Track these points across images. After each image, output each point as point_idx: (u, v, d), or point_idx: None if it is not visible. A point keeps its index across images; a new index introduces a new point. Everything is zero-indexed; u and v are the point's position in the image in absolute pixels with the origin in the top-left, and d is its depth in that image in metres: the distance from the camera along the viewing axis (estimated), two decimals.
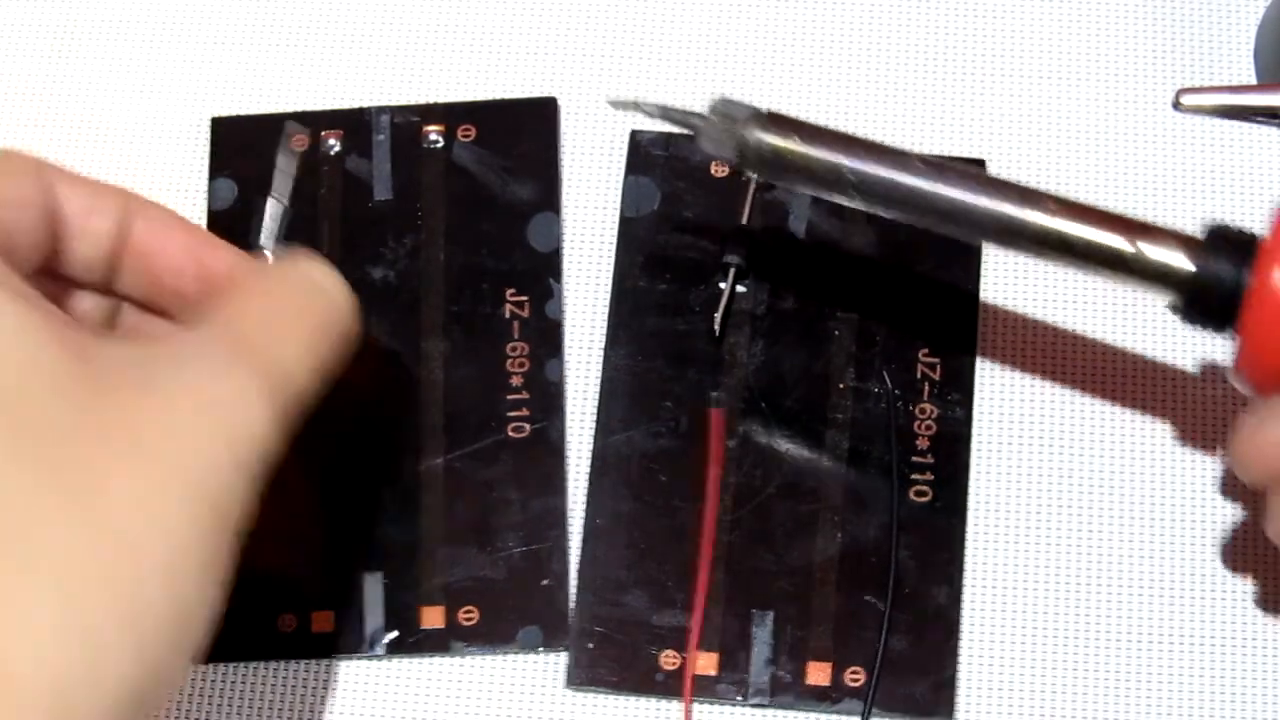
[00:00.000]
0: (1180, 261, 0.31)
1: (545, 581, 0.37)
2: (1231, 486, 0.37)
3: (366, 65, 0.42)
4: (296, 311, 0.32)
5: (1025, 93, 0.40)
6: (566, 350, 0.39)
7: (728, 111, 0.33)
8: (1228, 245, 0.31)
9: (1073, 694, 0.36)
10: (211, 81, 0.42)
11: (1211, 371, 0.38)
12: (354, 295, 0.33)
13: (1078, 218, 0.32)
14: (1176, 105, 0.30)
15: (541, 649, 0.36)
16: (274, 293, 0.32)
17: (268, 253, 0.37)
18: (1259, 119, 0.30)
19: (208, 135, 0.41)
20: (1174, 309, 0.32)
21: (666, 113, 0.34)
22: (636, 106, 0.34)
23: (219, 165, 0.40)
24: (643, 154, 0.40)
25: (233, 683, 0.37)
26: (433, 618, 0.37)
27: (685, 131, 0.34)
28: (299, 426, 0.31)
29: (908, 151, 0.33)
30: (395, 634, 0.37)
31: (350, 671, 0.37)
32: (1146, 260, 0.31)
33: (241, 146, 0.40)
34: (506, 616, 0.36)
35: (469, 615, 0.36)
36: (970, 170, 0.33)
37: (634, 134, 0.40)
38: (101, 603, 0.26)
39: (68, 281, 0.33)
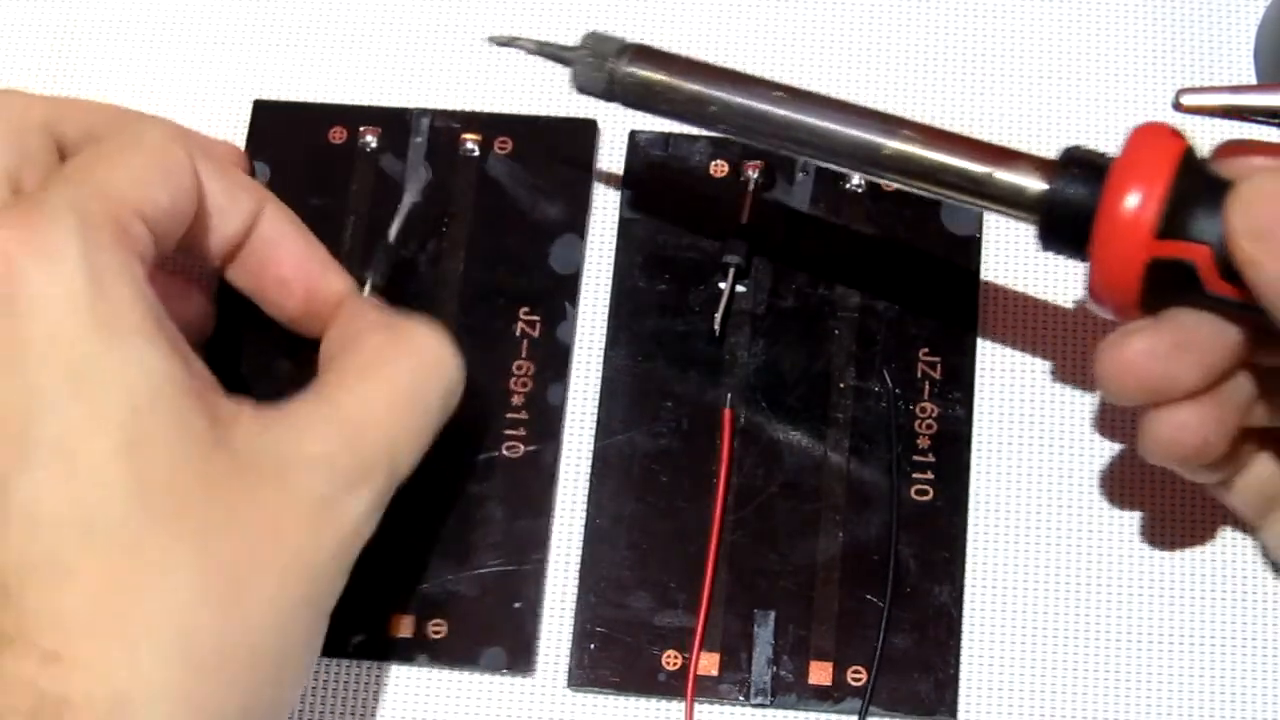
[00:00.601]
0: (1034, 183, 0.32)
1: (518, 605, 0.36)
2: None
3: (414, 66, 0.42)
4: (415, 398, 0.33)
5: (1025, 93, 0.40)
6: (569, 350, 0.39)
7: (598, 45, 0.35)
8: (1081, 167, 0.31)
9: (1073, 693, 0.36)
10: (255, 66, 0.42)
11: None
12: (463, 363, 0.34)
13: (936, 143, 0.32)
14: (1176, 105, 0.30)
15: (505, 671, 0.36)
16: (396, 376, 0.33)
17: (368, 285, 0.36)
18: (1259, 119, 0.30)
19: (246, 119, 0.41)
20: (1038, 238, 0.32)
21: (542, 48, 0.35)
22: (513, 42, 0.36)
23: (256, 148, 0.40)
24: (642, 154, 0.40)
25: None
26: (402, 626, 0.36)
27: (561, 65, 0.35)
28: None
29: (772, 81, 0.34)
30: (362, 637, 0.36)
31: (340, 666, 0.37)
32: (1001, 183, 0.32)
33: (281, 132, 0.40)
34: (474, 635, 0.36)
35: (438, 628, 0.36)
36: (833, 99, 0.34)
37: (633, 134, 0.40)
38: (226, 697, 0.28)
39: None
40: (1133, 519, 0.37)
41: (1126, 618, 0.36)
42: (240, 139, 0.41)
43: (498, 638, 0.36)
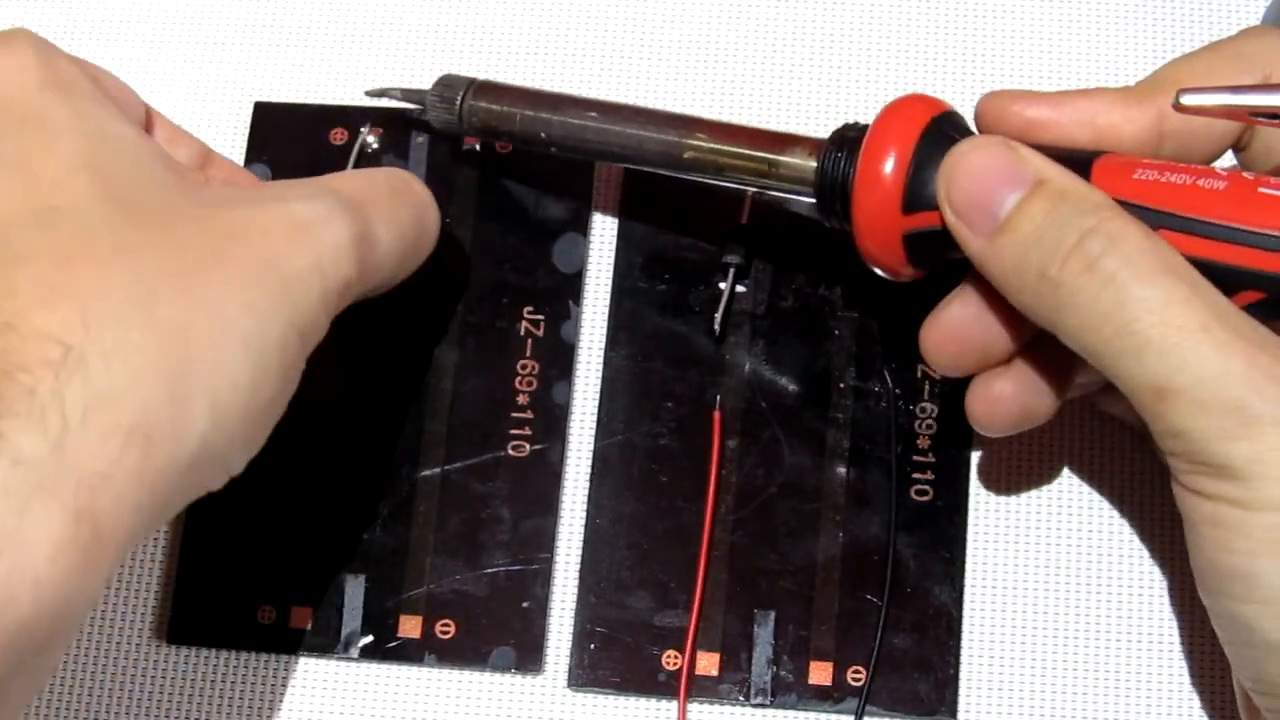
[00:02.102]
0: (809, 163, 0.33)
1: (526, 604, 0.36)
2: None
3: (415, 66, 0.42)
4: (388, 192, 0.34)
5: None
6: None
7: (449, 85, 0.38)
8: (845, 142, 0.33)
9: (1073, 693, 0.36)
10: (256, 67, 0.42)
11: None
12: (436, 204, 0.36)
13: (728, 139, 0.34)
14: (1176, 105, 0.30)
15: (514, 671, 0.36)
16: (370, 175, 0.35)
17: None
18: (1259, 119, 0.30)
19: (247, 120, 0.41)
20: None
21: (407, 94, 0.39)
22: (385, 93, 0.39)
23: (256, 149, 0.40)
24: None
25: (203, 671, 0.37)
26: (410, 627, 0.36)
27: (419, 107, 0.38)
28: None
29: (591, 100, 0.36)
30: (370, 638, 0.36)
31: (347, 668, 0.37)
32: (784, 165, 0.34)
33: (281, 133, 0.40)
34: (483, 635, 0.36)
35: (446, 628, 0.36)
36: (639, 109, 0.36)
37: None
38: (191, 363, 0.28)
39: None
40: (1133, 519, 0.37)
41: (1126, 618, 0.36)
42: (241, 140, 0.41)
43: (506, 637, 0.36)
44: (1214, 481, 0.28)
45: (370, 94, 0.39)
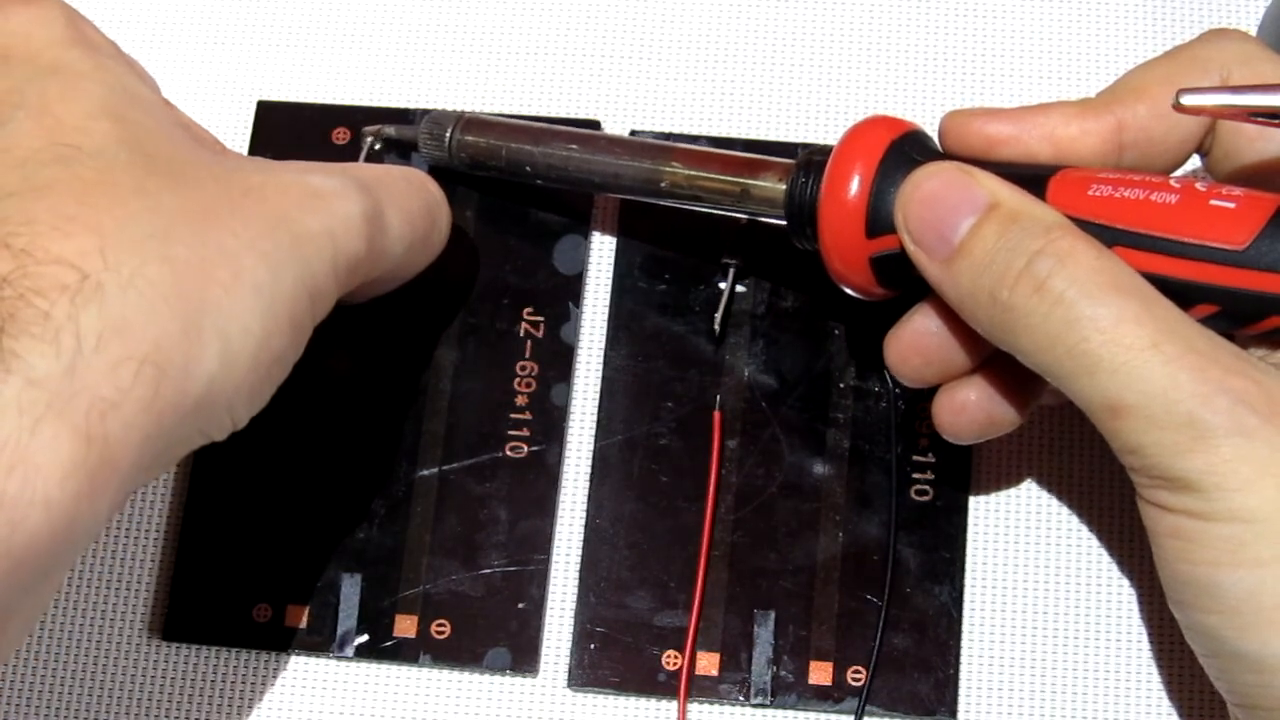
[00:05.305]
0: (779, 188, 0.34)
1: (522, 605, 0.37)
2: None
3: (415, 66, 0.42)
4: (402, 182, 0.35)
5: (1026, 93, 0.40)
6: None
7: (437, 122, 0.38)
8: (811, 167, 0.33)
9: (1073, 693, 0.36)
10: (258, 66, 0.42)
11: None
12: (448, 205, 0.36)
13: (701, 165, 0.35)
14: (1176, 105, 0.30)
15: (509, 672, 0.36)
16: (387, 167, 0.36)
17: None
18: (1259, 119, 0.30)
19: (249, 119, 0.41)
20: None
21: (398, 132, 0.40)
22: (379, 133, 0.40)
23: (259, 148, 0.40)
24: None
25: (198, 668, 0.37)
26: (405, 626, 0.36)
27: (418, 141, 0.39)
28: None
29: (571, 132, 0.37)
30: (366, 638, 0.36)
31: (341, 667, 0.37)
32: (755, 190, 0.34)
33: (284, 132, 0.41)
34: (478, 635, 0.36)
35: (441, 628, 0.36)
36: (618, 140, 0.37)
37: (634, 134, 0.40)
38: (206, 303, 0.28)
39: None
40: (1132, 520, 0.37)
41: (1126, 618, 0.36)
42: (244, 139, 0.41)
43: (502, 638, 0.36)
44: (1173, 495, 0.28)
45: (366, 133, 0.40)
